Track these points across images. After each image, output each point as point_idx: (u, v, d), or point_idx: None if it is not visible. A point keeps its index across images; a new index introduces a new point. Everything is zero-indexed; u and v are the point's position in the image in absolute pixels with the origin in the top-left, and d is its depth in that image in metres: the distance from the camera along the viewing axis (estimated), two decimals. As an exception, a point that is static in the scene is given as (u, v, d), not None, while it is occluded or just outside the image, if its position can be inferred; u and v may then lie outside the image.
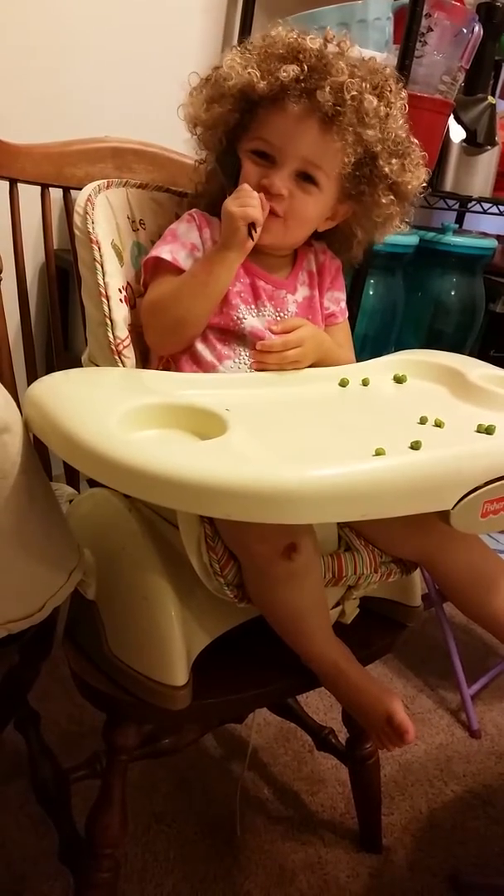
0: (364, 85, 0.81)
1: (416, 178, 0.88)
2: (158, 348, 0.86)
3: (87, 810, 0.85)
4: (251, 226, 0.81)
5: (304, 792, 1.19)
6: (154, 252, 0.86)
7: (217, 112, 0.85)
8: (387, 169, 0.85)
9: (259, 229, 0.82)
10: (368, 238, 0.95)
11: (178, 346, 0.85)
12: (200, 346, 0.85)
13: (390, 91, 0.84)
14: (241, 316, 0.86)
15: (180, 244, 0.86)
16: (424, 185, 0.90)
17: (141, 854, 1.05)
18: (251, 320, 0.86)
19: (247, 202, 0.81)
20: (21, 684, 1.04)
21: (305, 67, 0.80)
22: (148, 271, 0.87)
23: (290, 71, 0.79)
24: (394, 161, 0.85)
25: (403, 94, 0.86)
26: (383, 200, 0.88)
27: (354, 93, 0.80)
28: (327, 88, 0.79)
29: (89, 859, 0.84)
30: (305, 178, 0.84)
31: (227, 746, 1.26)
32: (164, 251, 0.85)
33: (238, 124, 0.86)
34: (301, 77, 0.80)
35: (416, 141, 0.88)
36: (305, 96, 0.80)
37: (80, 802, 0.96)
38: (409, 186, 0.88)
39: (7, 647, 0.84)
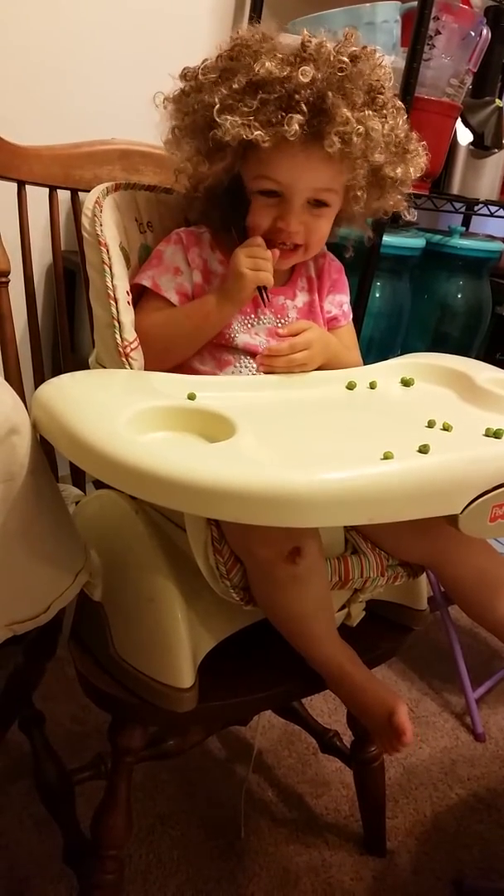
0: (366, 112, 0.79)
1: (419, 166, 0.88)
2: (147, 367, 0.86)
3: (92, 811, 0.85)
4: (261, 287, 0.83)
5: (308, 794, 1.19)
6: (137, 278, 0.87)
7: (220, 166, 0.82)
8: (392, 174, 0.85)
9: (268, 290, 0.84)
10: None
11: (165, 369, 0.86)
12: (197, 363, 0.86)
13: (382, 89, 0.81)
14: (233, 334, 0.87)
15: (164, 268, 0.87)
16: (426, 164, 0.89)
17: (145, 855, 1.05)
18: (243, 336, 0.87)
19: (260, 265, 0.82)
20: (26, 684, 1.04)
21: (304, 109, 0.76)
22: (135, 293, 0.87)
23: (293, 126, 0.76)
24: (399, 169, 0.85)
25: (385, 67, 0.82)
26: (391, 201, 0.89)
27: (361, 129, 0.78)
28: (335, 137, 0.77)
29: (94, 860, 0.84)
30: (317, 203, 0.84)
31: (232, 749, 1.26)
32: (145, 277, 0.87)
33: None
34: (303, 123, 0.77)
35: (398, 108, 0.84)
36: (311, 139, 0.78)
37: (83, 803, 0.96)
38: (414, 175, 0.88)
39: (11, 647, 0.84)
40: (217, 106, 0.78)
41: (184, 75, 0.83)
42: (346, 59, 0.77)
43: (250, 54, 0.78)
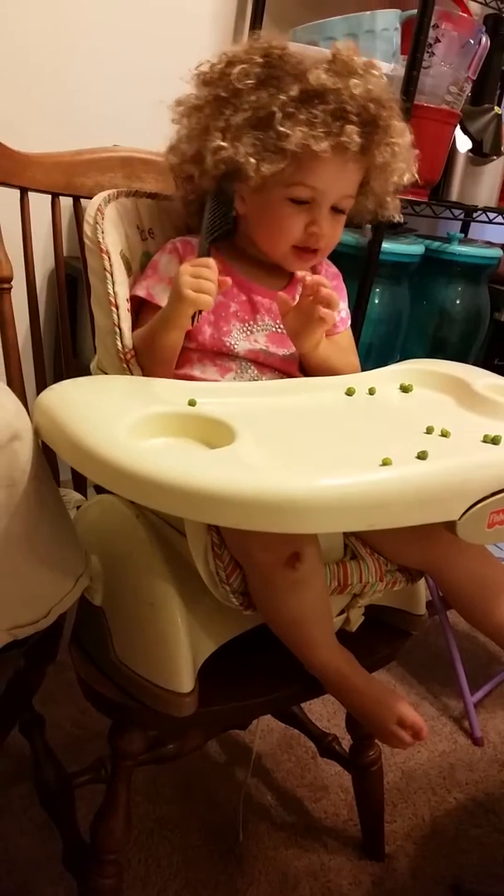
0: (404, 126, 0.84)
1: (414, 170, 0.90)
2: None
3: (91, 815, 0.85)
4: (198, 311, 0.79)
5: (307, 799, 1.20)
6: (134, 289, 0.87)
7: (281, 167, 0.81)
8: (400, 181, 0.88)
9: (202, 314, 0.80)
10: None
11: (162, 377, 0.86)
12: (198, 372, 0.87)
13: (397, 101, 0.85)
14: (233, 342, 0.87)
15: (157, 278, 0.87)
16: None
17: (144, 860, 1.05)
18: (243, 344, 0.88)
19: (204, 286, 0.77)
20: (26, 688, 1.04)
21: (356, 120, 0.79)
22: (134, 307, 0.87)
23: (354, 137, 0.79)
24: (407, 175, 0.88)
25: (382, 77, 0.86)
26: (390, 207, 0.92)
27: (407, 140, 0.83)
28: (386, 147, 0.82)
29: (93, 864, 0.85)
30: (336, 209, 0.86)
31: (231, 753, 1.26)
32: (140, 288, 0.87)
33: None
34: (359, 134, 0.80)
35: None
36: (362, 152, 0.82)
37: (83, 807, 0.97)
38: (412, 179, 0.91)
39: (12, 651, 0.85)
40: (278, 114, 0.78)
41: (203, 80, 0.83)
42: (375, 72, 0.81)
43: (292, 63, 0.80)
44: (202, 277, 0.77)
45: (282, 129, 0.78)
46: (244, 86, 0.80)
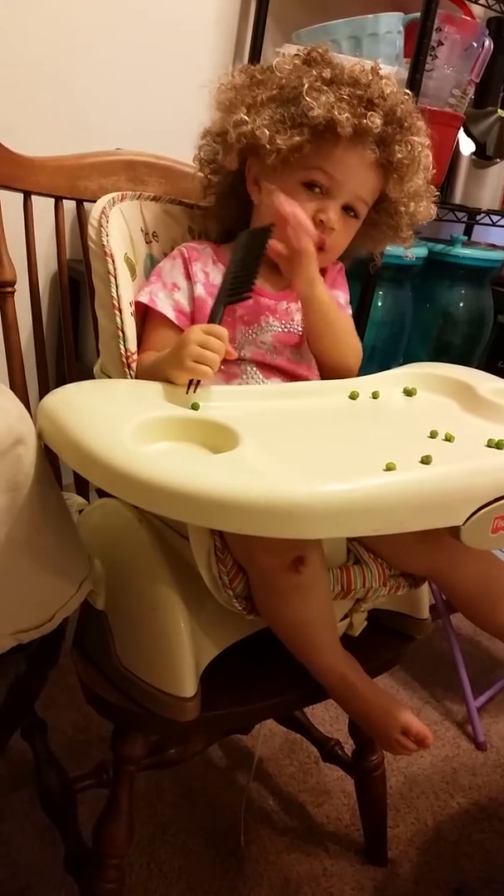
0: (425, 139, 0.86)
1: (428, 209, 0.92)
2: None
3: (93, 819, 0.85)
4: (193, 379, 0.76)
5: (309, 803, 1.19)
6: (138, 295, 0.87)
7: (297, 141, 0.81)
8: (414, 210, 0.90)
9: (199, 383, 0.76)
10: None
11: None
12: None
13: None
14: (239, 349, 0.88)
15: (161, 284, 0.88)
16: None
17: (145, 864, 1.05)
18: (249, 348, 0.88)
19: (207, 357, 0.74)
20: (28, 692, 1.04)
21: (381, 113, 0.81)
22: (139, 312, 0.87)
23: (376, 120, 0.81)
24: (422, 205, 0.90)
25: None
26: (403, 234, 0.94)
27: (428, 143, 0.86)
28: (405, 145, 0.83)
29: (95, 869, 0.85)
30: (350, 210, 0.87)
31: (233, 757, 1.26)
32: (143, 294, 0.87)
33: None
34: (383, 123, 0.82)
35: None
36: (380, 145, 0.83)
37: (85, 811, 0.97)
38: (422, 221, 0.93)
39: (15, 655, 0.84)
40: (306, 86, 0.81)
41: (244, 69, 0.87)
42: (408, 91, 0.85)
43: (331, 59, 0.84)
44: (209, 348, 0.75)
45: (307, 98, 0.80)
46: (280, 71, 0.84)
